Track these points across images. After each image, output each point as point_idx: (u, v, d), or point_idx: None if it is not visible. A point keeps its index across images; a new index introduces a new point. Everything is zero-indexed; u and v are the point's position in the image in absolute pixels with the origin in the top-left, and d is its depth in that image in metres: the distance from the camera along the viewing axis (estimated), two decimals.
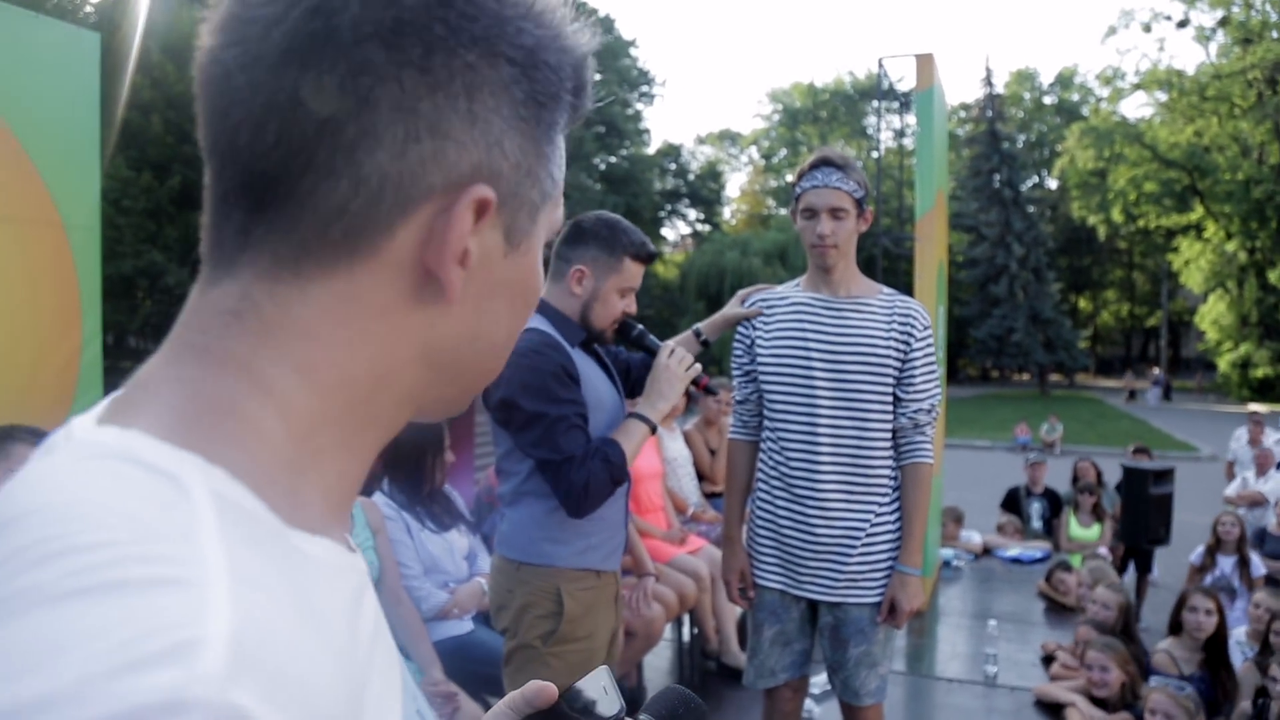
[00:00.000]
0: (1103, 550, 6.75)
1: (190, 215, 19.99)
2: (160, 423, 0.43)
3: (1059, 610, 5.77)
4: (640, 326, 2.46)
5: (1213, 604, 4.18)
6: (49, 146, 3.04)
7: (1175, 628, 4.30)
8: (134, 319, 20.73)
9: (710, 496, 5.39)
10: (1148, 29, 37.31)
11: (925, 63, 5.73)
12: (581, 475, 2.18)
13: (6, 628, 0.33)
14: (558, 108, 0.51)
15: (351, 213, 0.46)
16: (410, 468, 3.29)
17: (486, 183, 0.48)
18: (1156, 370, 39.41)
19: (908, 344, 2.60)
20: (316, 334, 0.47)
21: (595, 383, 2.35)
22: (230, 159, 0.46)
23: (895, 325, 2.60)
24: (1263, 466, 7.29)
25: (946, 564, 6.77)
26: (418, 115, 0.45)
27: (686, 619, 4.50)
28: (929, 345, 2.65)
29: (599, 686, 0.65)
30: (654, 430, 2.36)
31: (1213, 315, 34.65)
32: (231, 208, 0.47)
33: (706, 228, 47.23)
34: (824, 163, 2.61)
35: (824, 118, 49.30)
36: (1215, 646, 4.16)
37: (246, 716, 0.34)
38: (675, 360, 2.38)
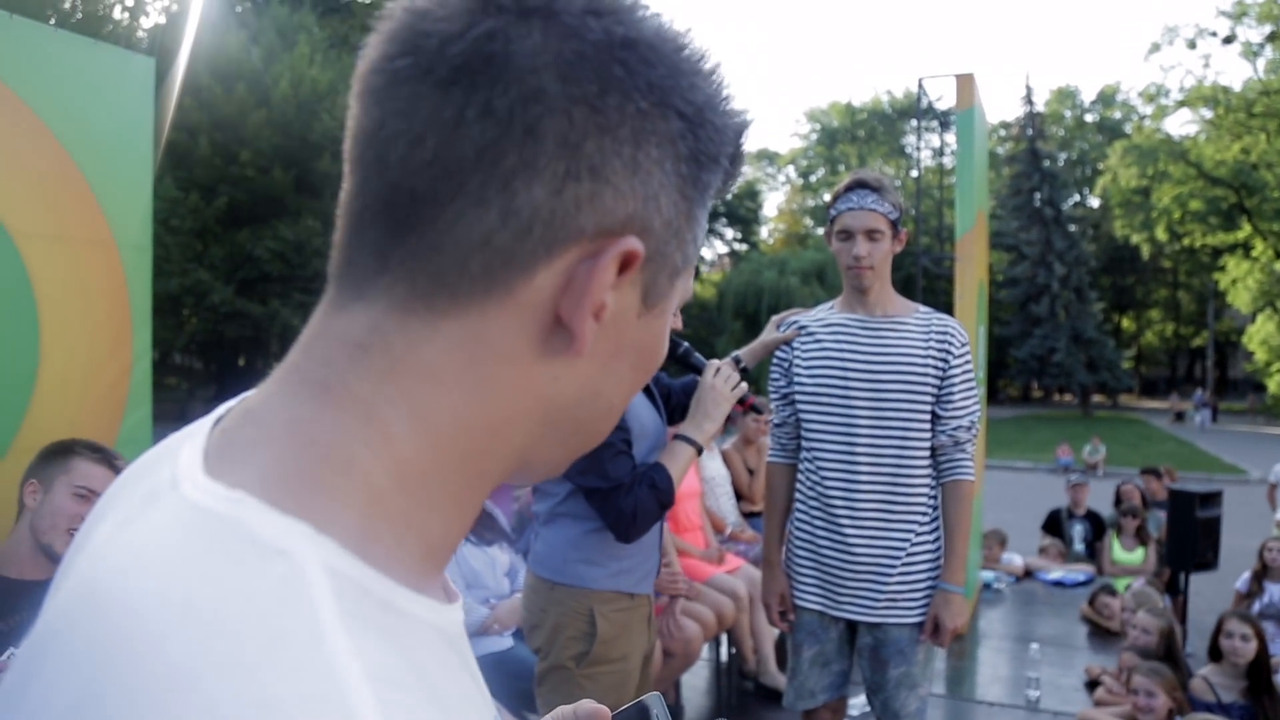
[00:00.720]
0: (1140, 580, 6.62)
1: (236, 235, 20.38)
2: (270, 477, 0.41)
3: (1102, 634, 5.67)
4: (686, 344, 2.46)
5: (1250, 629, 4.09)
6: (104, 168, 3.12)
7: (1215, 654, 4.21)
8: (180, 336, 21.12)
9: (748, 516, 5.37)
10: (1193, 45, 36.73)
11: (965, 83, 5.71)
12: (630, 502, 2.18)
13: None
14: (715, 171, 0.49)
15: (495, 246, 0.44)
16: None
17: (637, 236, 0.46)
18: (1199, 391, 38.53)
19: (946, 361, 2.60)
20: (440, 377, 0.45)
21: (639, 410, 2.36)
22: (377, 173, 0.45)
23: (933, 343, 2.60)
24: None
25: (987, 586, 6.68)
26: (581, 154, 0.43)
27: (724, 639, 4.49)
28: (967, 362, 2.64)
29: (652, 712, 0.64)
30: (700, 452, 2.35)
31: (1261, 335, 33.91)
32: (368, 226, 0.46)
33: (744, 247, 47.20)
34: (859, 185, 2.61)
35: (862, 137, 49.18)
36: (1257, 673, 4.07)
37: None
38: (721, 380, 2.36)
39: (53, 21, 15.56)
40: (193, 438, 0.46)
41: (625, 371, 0.51)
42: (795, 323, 2.79)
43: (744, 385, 2.40)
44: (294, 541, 0.39)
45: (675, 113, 0.46)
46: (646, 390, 2.50)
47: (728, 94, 0.49)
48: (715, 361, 2.44)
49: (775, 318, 2.88)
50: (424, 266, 0.44)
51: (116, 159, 3.19)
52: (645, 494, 2.20)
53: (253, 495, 0.40)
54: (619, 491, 2.19)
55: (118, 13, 18.29)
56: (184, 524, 0.40)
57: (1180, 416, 33.27)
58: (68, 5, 17.15)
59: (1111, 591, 5.97)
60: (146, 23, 18.94)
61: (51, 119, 2.94)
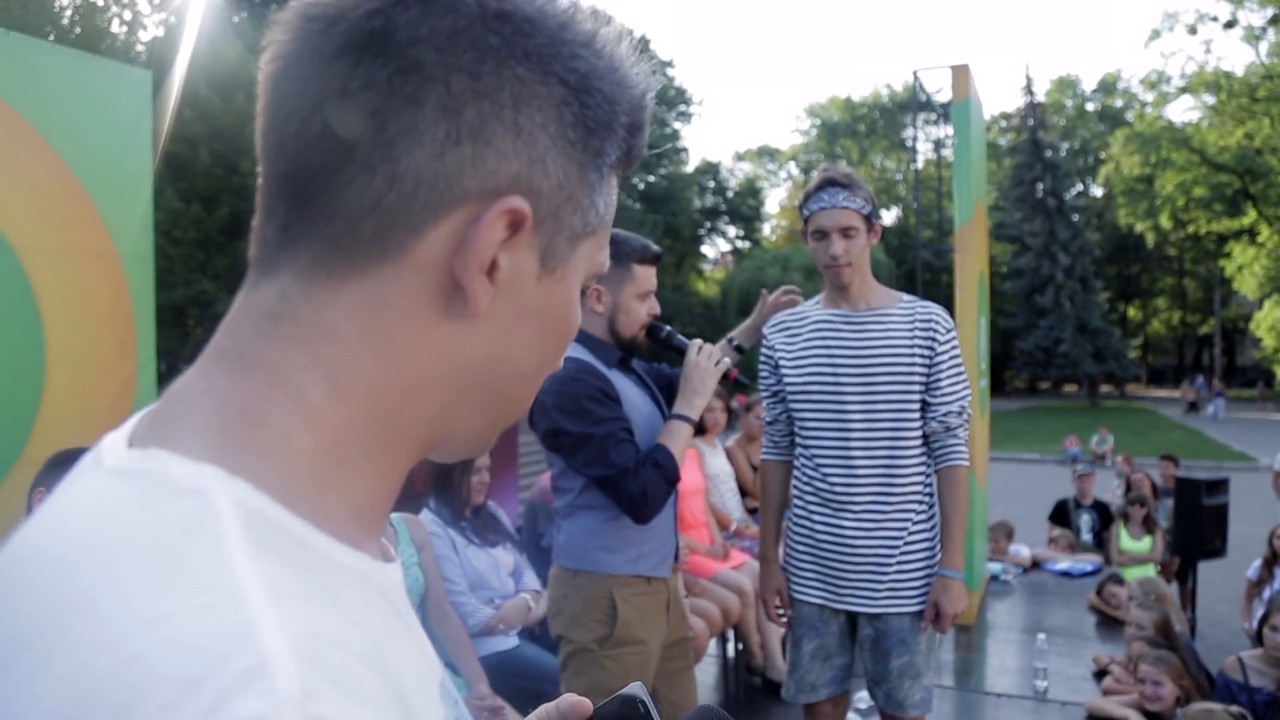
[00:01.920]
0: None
1: (238, 244, 20.42)
2: (187, 438, 0.43)
3: (1111, 624, 5.66)
4: (668, 328, 2.55)
5: None
6: (104, 181, 3.15)
7: (1260, 639, 4.21)
8: (185, 346, 21.19)
9: (753, 512, 5.39)
10: (1193, 31, 36.59)
11: (961, 74, 5.72)
12: (638, 484, 2.29)
13: (74, 685, 0.34)
14: (609, 138, 0.52)
15: (384, 209, 0.46)
16: (440, 485, 3.36)
17: (524, 197, 0.48)
18: (1200, 379, 38.37)
19: (932, 349, 2.61)
20: (347, 340, 0.47)
21: (635, 401, 2.45)
22: (278, 152, 0.48)
23: (918, 331, 2.62)
24: None
25: (994, 578, 6.68)
26: (461, 119, 0.46)
27: (731, 634, 4.50)
28: (954, 348, 2.65)
29: (634, 701, 0.64)
30: (696, 427, 2.46)
31: (1269, 321, 33.76)
32: (275, 204, 0.48)
33: (746, 244, 47.22)
34: (830, 183, 2.63)
35: (862, 131, 49.13)
36: None
37: None
38: (704, 356, 2.46)
39: (51, 37, 15.64)
40: (121, 428, 0.48)
41: (531, 336, 0.52)
42: (780, 320, 2.81)
43: (726, 360, 2.49)
44: (205, 481, 0.41)
45: (557, 80, 0.48)
46: (644, 384, 2.57)
47: (620, 67, 0.51)
48: (697, 341, 2.52)
49: (777, 292, 2.94)
50: (321, 234, 0.47)
51: (116, 171, 3.22)
52: (651, 474, 2.30)
53: (168, 451, 0.43)
54: (625, 476, 2.29)
55: (116, 26, 18.35)
56: (101, 485, 0.42)
57: (1194, 406, 32.69)
58: (66, 21, 17.23)
59: (1119, 581, 5.97)
60: (145, 36, 19.00)
61: (51, 134, 2.97)
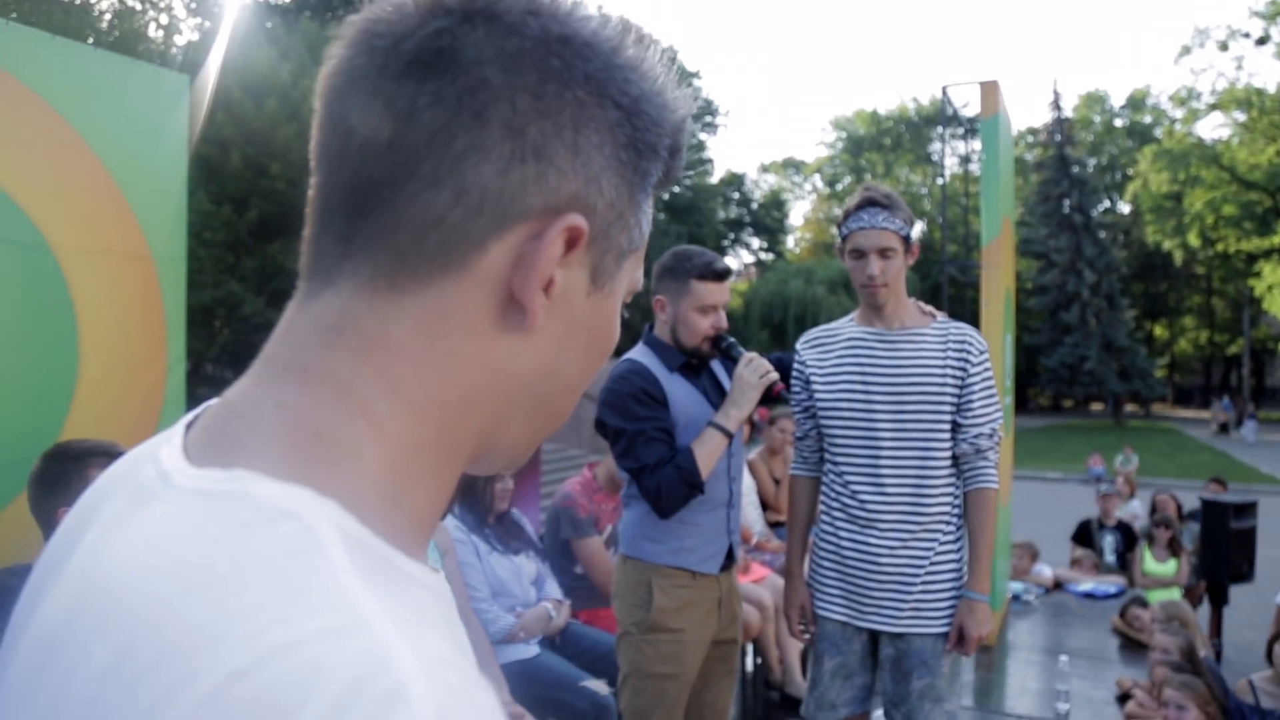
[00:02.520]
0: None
1: (267, 247, 20.63)
2: (266, 457, 0.44)
3: (1134, 647, 5.60)
4: (730, 339, 2.68)
5: None
6: (141, 183, 3.19)
7: (1271, 659, 4.18)
8: (212, 346, 21.39)
9: (774, 525, 5.37)
10: (1224, 47, 36.33)
11: (990, 90, 5.69)
12: (654, 481, 2.47)
13: (215, 712, 0.34)
14: (654, 160, 0.53)
15: (449, 224, 0.47)
16: (464, 491, 3.37)
17: (582, 214, 0.49)
18: (1225, 399, 37.79)
19: (964, 370, 2.60)
20: (410, 352, 0.48)
21: (685, 403, 2.62)
22: (340, 164, 0.48)
23: (951, 352, 2.61)
24: None
25: (1016, 598, 6.62)
26: (525, 137, 0.47)
27: (750, 648, 4.48)
28: (986, 370, 2.64)
29: None
30: (729, 436, 2.57)
31: None
32: (334, 215, 0.49)
33: (770, 256, 47.17)
34: (869, 203, 2.63)
35: (888, 145, 49.00)
36: None
37: None
38: (750, 370, 2.57)
39: (91, 41, 15.88)
40: (168, 442, 0.48)
41: (579, 350, 0.54)
42: (814, 337, 2.83)
43: (774, 374, 2.59)
44: (299, 504, 0.41)
45: (612, 102, 0.50)
46: (714, 389, 2.72)
47: (665, 91, 0.53)
48: (750, 354, 2.63)
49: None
50: (384, 246, 0.47)
51: (152, 173, 3.26)
52: (670, 473, 2.46)
53: (251, 471, 0.43)
54: (644, 471, 2.48)
55: (153, 30, 18.63)
56: (186, 506, 0.42)
57: (1225, 428, 31.83)
58: (105, 25, 17.49)
59: (1143, 603, 5.90)
60: (180, 40, 19.27)
61: (90, 135, 3.01)
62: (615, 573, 2.71)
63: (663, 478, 2.46)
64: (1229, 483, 13.77)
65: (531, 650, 3.28)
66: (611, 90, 0.50)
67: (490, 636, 3.19)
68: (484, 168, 0.47)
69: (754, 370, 2.56)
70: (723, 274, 2.62)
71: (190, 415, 0.51)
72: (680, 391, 2.62)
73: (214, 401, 0.50)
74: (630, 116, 0.51)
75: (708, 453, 2.51)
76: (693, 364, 2.68)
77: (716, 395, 2.72)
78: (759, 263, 47.68)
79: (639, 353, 2.67)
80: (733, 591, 2.74)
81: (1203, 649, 4.56)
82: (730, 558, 2.70)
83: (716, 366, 2.80)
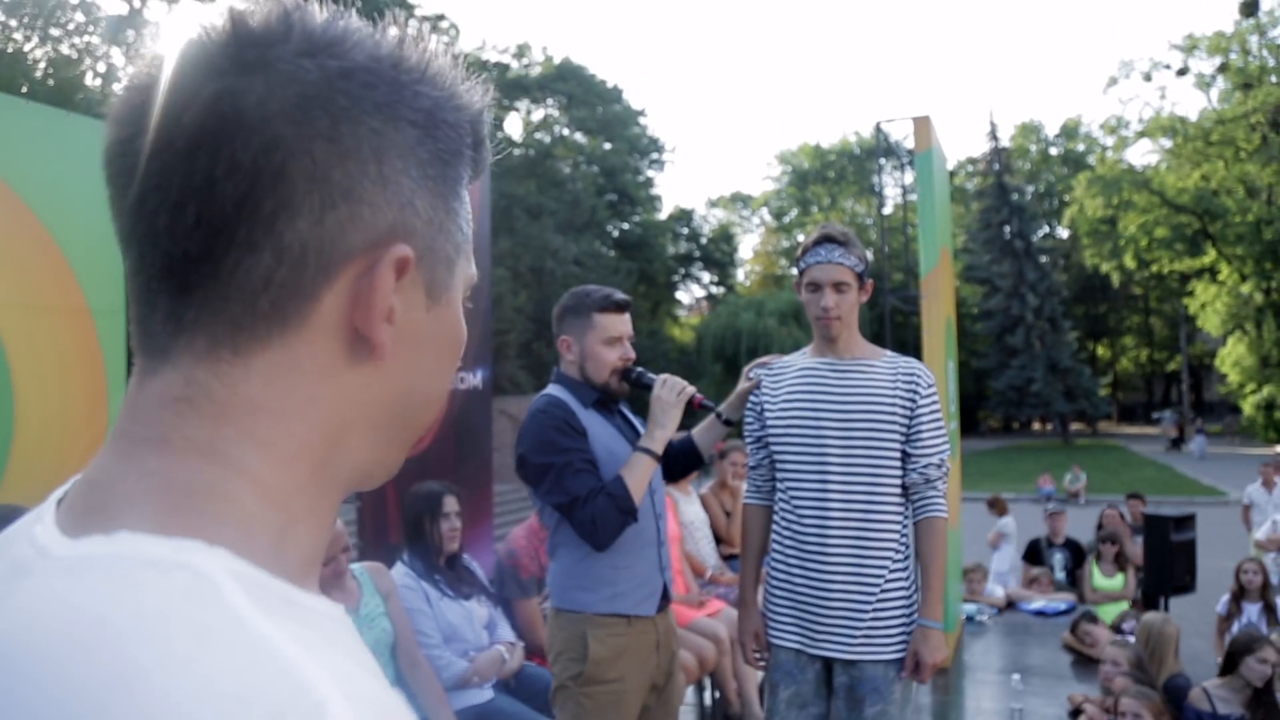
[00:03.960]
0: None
1: None
2: (146, 519, 0.43)
3: (1085, 662, 5.69)
4: (639, 369, 2.69)
5: (1275, 655, 4.18)
6: (77, 236, 3.17)
7: (1228, 669, 4.27)
8: None
9: (728, 559, 5.39)
10: (1148, 78, 37.63)
11: (922, 125, 5.86)
12: (588, 512, 2.43)
13: None
14: (460, 163, 0.54)
15: (277, 283, 0.47)
16: (412, 534, 3.36)
17: (403, 241, 0.50)
18: (1169, 411, 38.63)
19: (913, 401, 2.67)
20: (269, 407, 0.48)
21: (604, 438, 2.60)
22: (151, 245, 0.47)
23: (900, 384, 2.68)
24: None
25: (970, 619, 6.70)
26: (331, 183, 0.47)
27: (708, 682, 4.48)
28: (935, 402, 2.71)
29: None
30: (657, 459, 2.57)
31: (1233, 357, 34.35)
32: (156, 294, 0.48)
33: (721, 290, 47.49)
34: (826, 239, 2.72)
35: (832, 178, 49.80)
36: (1264, 689, 4.15)
37: None
38: (666, 389, 2.60)
39: (25, 90, 15.64)
40: (40, 520, 0.47)
41: (431, 363, 0.55)
42: (768, 368, 2.88)
43: (690, 389, 2.63)
44: (189, 555, 0.41)
45: (407, 123, 0.50)
46: (626, 427, 2.69)
47: (457, 93, 0.53)
48: (663, 376, 2.66)
49: (746, 367, 2.98)
50: (217, 319, 0.47)
51: (89, 226, 3.23)
52: (603, 503, 2.43)
53: (134, 532, 0.42)
54: (577, 503, 2.44)
55: (90, 79, 18.40)
56: (71, 574, 0.41)
57: (1177, 444, 31.90)
58: (39, 74, 17.26)
59: (1093, 619, 6.01)
60: (119, 89, 19.05)
61: (24, 190, 2.99)
62: (548, 626, 2.64)
63: (596, 508, 2.43)
64: (1173, 496, 14.07)
65: (486, 694, 3.26)
66: (403, 112, 0.50)
67: (444, 682, 3.16)
68: (298, 223, 0.47)
69: (670, 389, 2.60)
70: (624, 305, 2.64)
71: (57, 493, 0.50)
72: (597, 426, 2.60)
73: (79, 477, 0.49)
74: (428, 131, 0.51)
75: (638, 478, 2.50)
76: (605, 401, 2.67)
77: (631, 434, 2.70)
78: (710, 296, 48.01)
79: (551, 389, 2.66)
80: (670, 632, 2.70)
81: (1177, 665, 4.64)
82: (665, 597, 2.67)
83: (627, 410, 2.80)
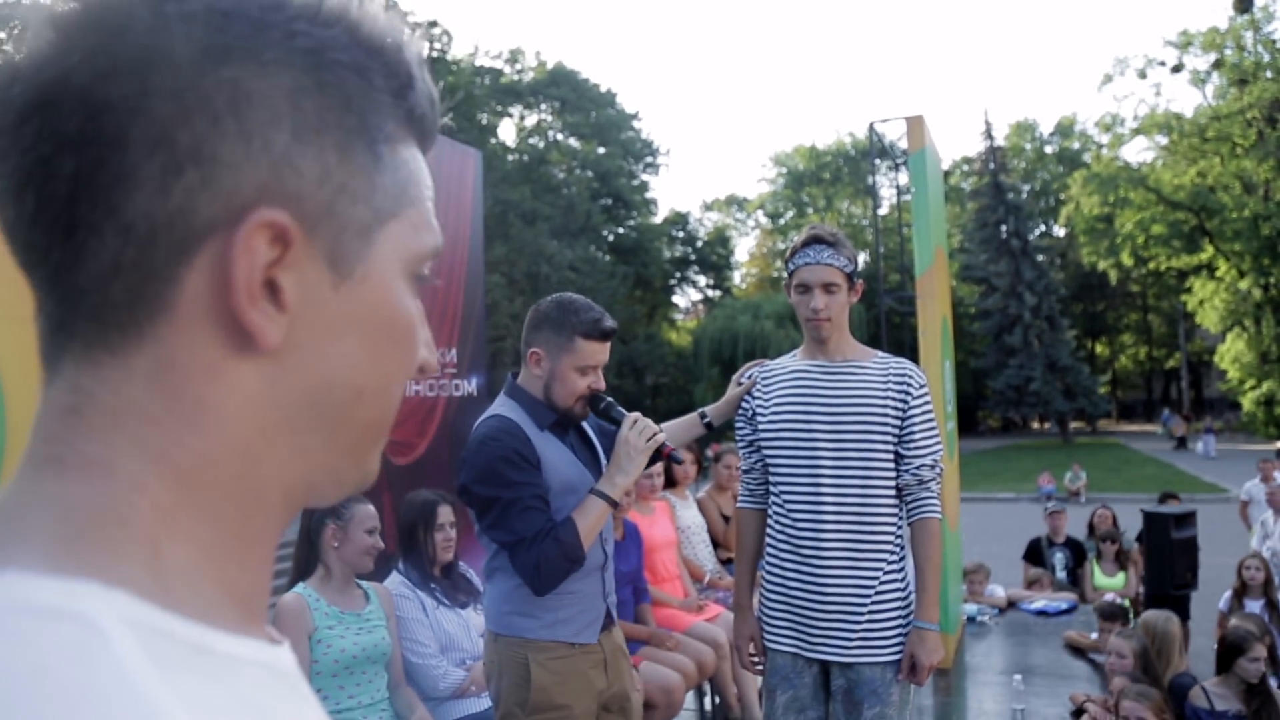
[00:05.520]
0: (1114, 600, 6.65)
1: None
2: (40, 553, 0.38)
3: (1090, 662, 5.67)
4: (609, 399, 2.49)
5: (1265, 651, 4.23)
6: None
7: (1223, 667, 4.28)
8: None
9: (726, 563, 5.37)
10: (1143, 75, 37.79)
11: (915, 125, 5.86)
12: (532, 556, 2.24)
13: None
14: (373, 112, 0.46)
15: (127, 267, 0.41)
16: (406, 544, 3.34)
17: (278, 206, 0.42)
18: (1166, 411, 38.59)
19: (905, 402, 2.66)
20: (155, 414, 0.42)
21: (560, 466, 2.39)
22: (12, 241, 0.43)
23: (892, 386, 2.67)
24: (1276, 505, 7.25)
25: (971, 620, 6.68)
26: (175, 145, 0.40)
27: (707, 687, 4.47)
28: (926, 403, 2.70)
29: None
30: (615, 505, 2.39)
31: (1232, 354, 34.40)
32: (35, 292, 0.44)
33: (717, 293, 47.57)
34: (815, 240, 2.71)
35: (827, 179, 49.88)
36: (1259, 684, 4.19)
37: None
38: (636, 432, 2.39)
39: None
40: None
41: (354, 350, 0.46)
42: (760, 371, 2.87)
43: (661, 436, 2.43)
44: (80, 601, 0.36)
45: (278, 67, 0.42)
46: (583, 447, 2.53)
47: (360, 29, 0.45)
48: (633, 415, 2.46)
49: (736, 374, 2.96)
50: (81, 312, 0.42)
51: None
52: (550, 548, 2.25)
53: (22, 571, 0.37)
54: (521, 545, 2.25)
55: None
56: None
57: (1182, 443, 30.89)
58: None
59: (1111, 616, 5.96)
60: None
61: None
62: (486, 651, 2.47)
63: (543, 553, 2.24)
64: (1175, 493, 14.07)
65: (484, 704, 3.24)
66: (272, 54, 0.42)
67: (441, 692, 3.15)
68: (137, 195, 0.40)
69: (639, 433, 2.39)
70: (609, 334, 2.43)
71: None
72: (552, 452, 2.39)
73: None
74: (314, 75, 0.43)
75: (590, 524, 2.31)
76: (562, 422, 2.46)
77: (585, 452, 2.52)
78: (706, 300, 48.06)
79: (503, 407, 2.41)
80: (618, 650, 2.54)
81: (1183, 664, 4.63)
82: (610, 618, 2.53)
83: (585, 423, 2.60)
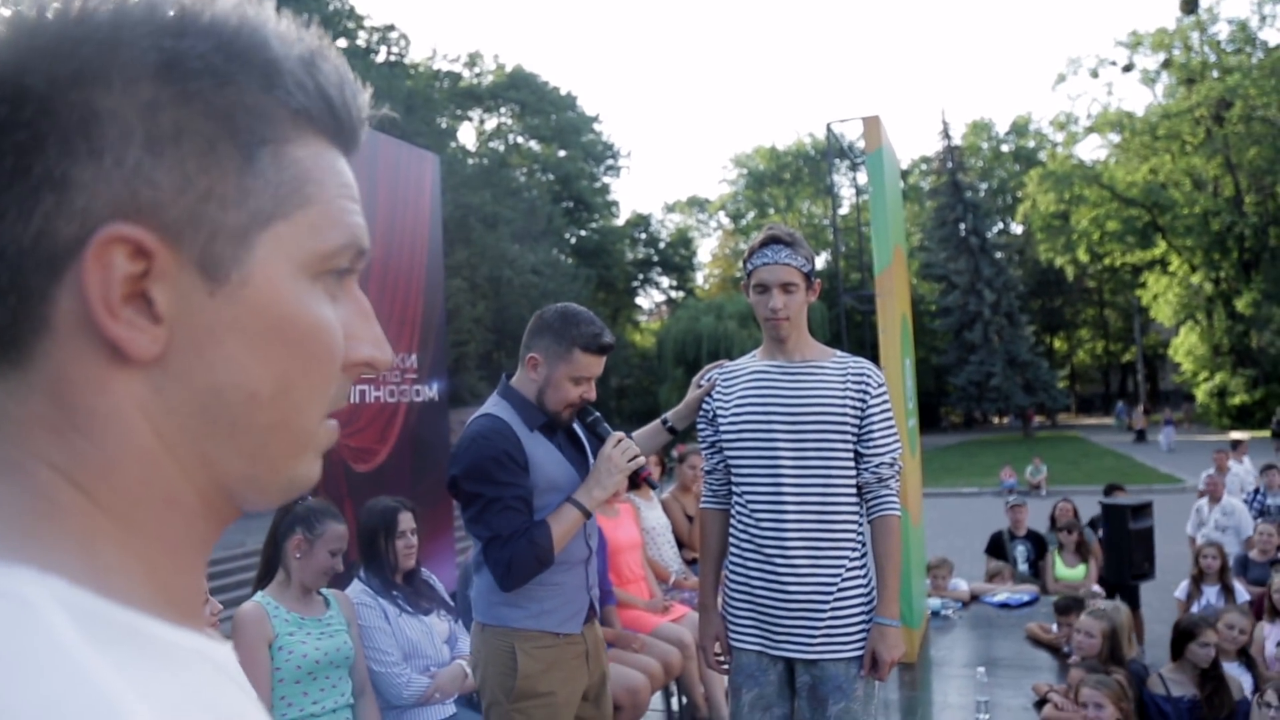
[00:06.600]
0: (1096, 588, 6.75)
1: None
2: None
3: (1052, 653, 5.75)
4: (597, 414, 2.60)
5: (1214, 636, 4.33)
6: None
7: (1176, 654, 4.37)
8: None
9: (691, 563, 5.38)
10: (1095, 74, 38.59)
11: (872, 125, 5.90)
12: (505, 554, 2.35)
13: None
14: (242, 115, 0.45)
15: (4, 289, 0.42)
16: (367, 552, 3.31)
17: (134, 220, 0.43)
18: (1121, 404, 39.22)
19: (864, 401, 2.68)
20: (54, 424, 0.43)
21: (548, 467, 2.49)
22: None
23: (850, 385, 2.68)
24: (1214, 495, 7.46)
25: (935, 614, 6.74)
26: (30, 173, 0.42)
27: (674, 687, 4.46)
28: (885, 402, 2.72)
29: None
30: (588, 515, 2.49)
31: (1186, 347, 35.13)
32: None
33: (680, 294, 47.69)
34: (773, 240, 2.72)
35: (788, 179, 50.20)
36: (1213, 669, 4.29)
37: None
38: (619, 451, 2.50)
39: None
40: None
41: (242, 355, 0.46)
42: (720, 372, 2.88)
43: (641, 459, 2.55)
44: (14, 584, 0.38)
45: (130, 83, 0.43)
46: (573, 448, 2.60)
47: (217, 36, 0.45)
48: (618, 434, 2.57)
49: (696, 376, 2.97)
50: None
51: None
52: (523, 548, 2.35)
53: None
54: (496, 542, 2.36)
55: None
56: None
57: (1141, 436, 30.93)
58: None
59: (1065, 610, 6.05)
60: None
61: None
62: (473, 642, 2.57)
63: (515, 551, 2.35)
64: (1132, 485, 14.35)
65: (448, 710, 3.21)
66: (124, 72, 0.43)
67: (405, 699, 3.12)
68: (3, 224, 0.42)
69: (623, 453, 2.50)
70: (608, 348, 2.53)
71: None
72: (541, 453, 2.49)
73: None
74: (171, 85, 0.44)
75: (563, 530, 2.42)
76: (550, 425, 2.56)
77: (572, 451, 2.62)
78: (670, 301, 48.15)
79: (496, 407, 2.51)
80: (598, 643, 2.65)
81: (1132, 650, 4.72)
82: (592, 611, 2.63)
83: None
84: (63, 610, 0.38)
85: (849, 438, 2.67)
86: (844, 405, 2.66)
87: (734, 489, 2.79)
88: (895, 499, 2.72)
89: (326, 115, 0.49)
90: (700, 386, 2.90)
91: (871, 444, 2.68)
